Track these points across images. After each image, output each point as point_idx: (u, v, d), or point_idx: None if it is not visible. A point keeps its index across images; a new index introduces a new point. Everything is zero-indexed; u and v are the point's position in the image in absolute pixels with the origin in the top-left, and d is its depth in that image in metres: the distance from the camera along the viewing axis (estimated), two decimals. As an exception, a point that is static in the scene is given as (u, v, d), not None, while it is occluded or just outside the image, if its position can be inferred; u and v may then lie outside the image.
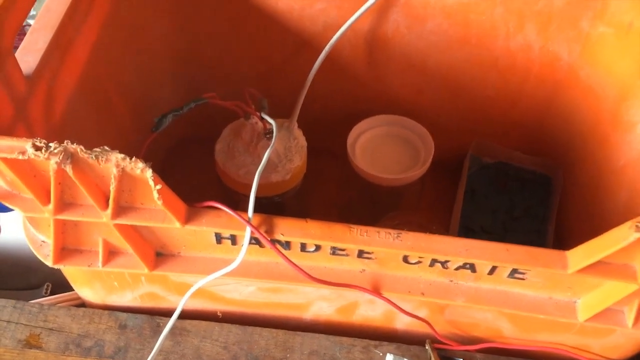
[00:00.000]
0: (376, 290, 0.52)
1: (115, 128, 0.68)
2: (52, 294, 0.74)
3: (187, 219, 0.47)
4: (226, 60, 0.79)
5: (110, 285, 0.59)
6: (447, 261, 0.49)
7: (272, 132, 0.66)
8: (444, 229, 0.80)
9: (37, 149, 0.41)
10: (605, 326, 0.52)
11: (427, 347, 0.60)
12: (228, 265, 0.50)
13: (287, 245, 0.49)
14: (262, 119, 0.67)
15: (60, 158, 0.42)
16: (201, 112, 0.65)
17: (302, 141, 0.72)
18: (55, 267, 0.53)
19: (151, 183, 0.43)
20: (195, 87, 0.70)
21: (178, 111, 0.61)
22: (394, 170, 0.76)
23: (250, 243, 0.49)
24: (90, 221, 0.48)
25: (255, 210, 0.48)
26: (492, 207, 0.86)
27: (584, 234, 0.47)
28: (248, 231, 0.47)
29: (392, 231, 0.47)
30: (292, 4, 0.73)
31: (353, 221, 0.48)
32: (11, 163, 0.42)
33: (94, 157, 0.42)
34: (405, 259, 0.50)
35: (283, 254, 0.48)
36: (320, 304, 0.60)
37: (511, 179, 0.88)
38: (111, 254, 0.53)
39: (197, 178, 0.75)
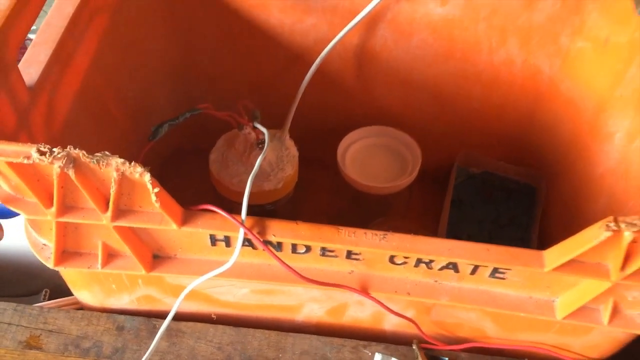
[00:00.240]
0: (364, 290, 0.55)
1: (114, 136, 0.71)
2: (50, 300, 0.76)
3: (184, 221, 0.50)
4: (220, 72, 0.81)
5: (108, 288, 0.61)
6: (431, 261, 0.52)
7: (264, 142, 0.68)
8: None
9: (42, 153, 0.44)
10: (582, 324, 0.54)
11: (414, 347, 0.63)
12: (222, 266, 0.52)
13: (278, 246, 0.52)
14: (254, 129, 0.70)
15: (64, 162, 0.44)
16: (196, 123, 0.68)
17: (294, 151, 0.75)
18: (57, 269, 0.55)
19: (149, 186, 0.46)
20: (190, 98, 0.73)
21: (174, 121, 0.64)
22: (382, 179, 0.79)
23: (243, 245, 0.51)
24: (91, 224, 0.50)
25: (248, 218, 0.51)
26: (478, 216, 0.89)
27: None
28: (241, 232, 0.49)
29: (378, 232, 0.50)
30: (284, 20, 0.76)
31: (343, 228, 0.51)
32: (16, 167, 0.45)
33: (95, 162, 0.44)
34: (392, 260, 0.52)
35: (275, 254, 0.50)
36: (311, 306, 0.62)
37: (497, 188, 0.90)
38: (110, 256, 0.55)
39: (192, 187, 0.77)
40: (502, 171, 0.90)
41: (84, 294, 0.63)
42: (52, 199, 0.48)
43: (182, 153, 0.86)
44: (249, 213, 0.51)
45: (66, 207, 0.49)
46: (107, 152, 0.45)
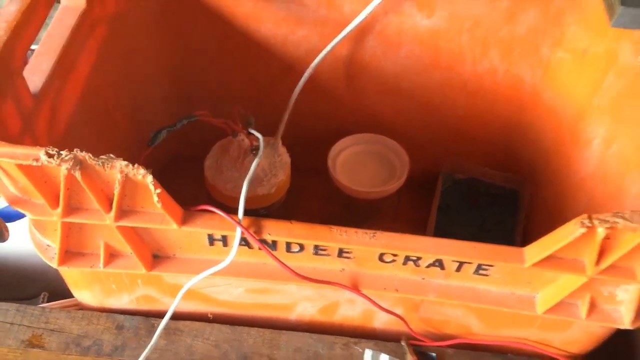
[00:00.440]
0: (355, 288, 0.57)
1: (113, 141, 0.73)
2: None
3: (183, 221, 0.52)
4: (215, 81, 0.84)
5: (108, 288, 0.63)
6: (418, 258, 0.54)
7: (258, 149, 0.71)
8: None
9: (50, 156, 0.46)
10: (562, 318, 0.57)
11: (403, 344, 0.65)
12: (220, 264, 0.55)
13: (273, 245, 0.54)
14: (248, 135, 0.72)
15: (71, 164, 0.46)
16: (192, 131, 0.70)
17: (286, 157, 0.78)
18: (60, 268, 0.57)
19: (151, 187, 0.48)
20: (187, 105, 0.76)
21: (172, 127, 0.66)
22: (372, 184, 0.82)
23: (240, 244, 0.54)
24: (94, 224, 0.53)
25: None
26: (465, 221, 0.91)
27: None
28: (238, 231, 0.52)
29: (368, 231, 0.53)
30: (276, 31, 0.79)
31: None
32: (25, 169, 0.47)
33: (100, 164, 0.47)
34: (381, 258, 0.55)
35: (270, 252, 0.53)
36: (304, 305, 0.64)
37: (482, 194, 0.93)
38: (111, 256, 0.57)
39: (188, 193, 0.79)
40: (487, 177, 0.93)
41: (84, 294, 0.65)
42: (58, 200, 0.50)
43: (178, 160, 0.88)
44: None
45: (71, 208, 0.51)
46: (111, 155, 0.47)
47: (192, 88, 0.84)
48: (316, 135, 0.84)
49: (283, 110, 0.78)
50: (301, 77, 0.76)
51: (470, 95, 0.84)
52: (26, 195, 0.52)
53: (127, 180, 0.48)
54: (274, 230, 0.53)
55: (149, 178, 0.48)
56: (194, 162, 0.78)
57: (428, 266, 0.56)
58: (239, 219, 0.52)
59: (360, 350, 0.65)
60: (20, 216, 0.74)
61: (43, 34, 0.62)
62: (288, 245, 0.55)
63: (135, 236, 0.55)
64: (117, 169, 0.47)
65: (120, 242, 0.55)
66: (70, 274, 0.63)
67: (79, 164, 0.47)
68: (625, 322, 0.56)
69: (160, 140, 0.66)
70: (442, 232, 0.89)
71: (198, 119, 0.68)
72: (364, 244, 0.52)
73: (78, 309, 0.68)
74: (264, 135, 0.73)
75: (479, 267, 0.54)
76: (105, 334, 0.64)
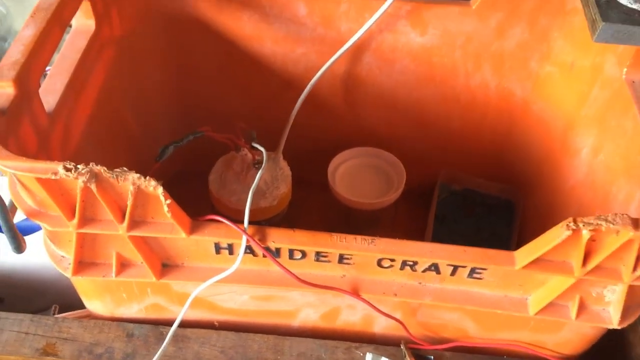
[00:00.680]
0: (355, 292, 0.60)
1: (121, 156, 0.76)
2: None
3: (192, 230, 0.55)
4: (218, 98, 0.87)
5: (119, 298, 0.66)
6: (415, 263, 0.57)
7: (260, 163, 0.74)
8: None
9: (68, 170, 0.49)
10: (553, 319, 0.60)
11: (402, 347, 0.68)
12: (226, 271, 0.58)
13: (277, 253, 0.57)
14: (251, 149, 0.75)
15: (87, 177, 0.49)
16: (195, 147, 0.73)
17: (287, 171, 0.81)
18: (74, 278, 0.60)
19: (162, 198, 0.51)
20: (190, 121, 0.79)
21: (179, 142, 0.69)
22: (370, 195, 0.85)
23: (245, 252, 0.57)
24: (107, 234, 0.56)
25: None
26: (461, 230, 0.94)
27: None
28: (244, 239, 0.55)
29: (367, 237, 0.55)
30: (276, 50, 0.82)
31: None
32: (44, 183, 0.50)
33: (114, 177, 0.50)
34: (379, 263, 0.58)
35: (274, 258, 0.56)
36: (307, 311, 0.67)
37: (477, 204, 0.96)
38: (123, 265, 0.60)
39: (193, 208, 0.82)
40: (482, 188, 0.96)
41: (95, 304, 0.68)
42: (74, 212, 0.53)
43: (181, 175, 0.91)
44: (246, 228, 0.56)
45: (86, 219, 0.54)
46: (124, 168, 0.50)
47: (195, 105, 0.88)
48: (316, 148, 0.88)
49: (283, 125, 0.81)
50: (300, 93, 0.79)
51: (464, 108, 0.87)
52: (43, 208, 0.55)
53: (139, 192, 0.51)
54: (278, 237, 0.56)
55: (160, 189, 0.51)
56: (197, 177, 0.81)
57: (424, 270, 0.58)
58: (245, 228, 0.55)
59: (361, 354, 0.67)
60: (31, 231, 0.76)
61: (56, 56, 0.65)
62: (291, 252, 0.57)
63: (145, 246, 0.58)
64: (130, 181, 0.50)
65: (132, 252, 0.58)
66: (83, 285, 0.65)
67: (95, 177, 0.50)
68: (614, 322, 0.59)
69: (167, 155, 0.69)
70: (439, 241, 0.90)
71: (203, 134, 0.71)
72: (363, 250, 0.55)
73: (89, 319, 0.71)
74: (265, 149, 0.76)
75: (473, 270, 0.57)
76: (116, 342, 0.67)
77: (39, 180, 0.50)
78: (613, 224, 0.49)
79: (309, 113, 0.82)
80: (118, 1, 0.73)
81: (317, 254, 0.57)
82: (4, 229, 0.56)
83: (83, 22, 0.68)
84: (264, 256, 0.57)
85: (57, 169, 0.49)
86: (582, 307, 0.59)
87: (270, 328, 0.70)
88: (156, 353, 0.64)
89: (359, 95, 0.86)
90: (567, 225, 0.50)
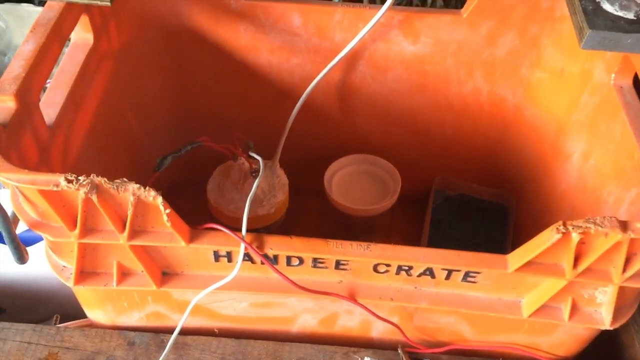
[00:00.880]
0: (352, 298, 0.61)
1: (121, 167, 0.78)
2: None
3: (191, 239, 0.56)
4: (214, 108, 0.89)
5: (120, 306, 0.67)
6: (410, 268, 0.58)
7: (258, 172, 0.75)
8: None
9: (69, 181, 0.50)
10: (547, 321, 0.61)
11: (399, 351, 0.69)
12: (225, 279, 0.59)
13: (275, 260, 0.59)
14: (248, 158, 0.77)
15: (88, 188, 0.51)
16: (192, 156, 0.75)
17: (284, 179, 0.82)
18: (75, 288, 0.61)
19: (161, 208, 0.52)
20: (187, 132, 0.80)
21: (177, 153, 0.71)
22: (366, 202, 0.86)
23: (243, 259, 0.58)
24: (108, 244, 0.57)
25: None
26: (456, 235, 0.96)
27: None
28: (242, 247, 0.56)
29: (362, 243, 0.57)
30: (272, 60, 0.84)
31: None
32: (46, 194, 0.51)
33: (115, 187, 0.51)
34: (375, 268, 0.59)
35: (272, 265, 0.57)
36: (305, 317, 0.68)
37: (472, 209, 0.98)
38: (123, 274, 0.61)
39: (191, 217, 0.83)
40: (477, 193, 0.98)
41: (97, 313, 0.69)
42: (76, 222, 0.54)
43: (178, 185, 0.92)
44: (244, 236, 0.58)
45: (87, 230, 0.55)
46: (125, 179, 0.52)
47: (193, 114, 0.89)
48: (312, 156, 0.89)
49: (279, 134, 0.82)
50: (296, 102, 0.81)
51: (457, 115, 0.88)
52: (45, 219, 0.56)
53: (139, 202, 0.52)
54: (275, 245, 0.57)
55: (159, 199, 0.52)
56: (196, 187, 0.82)
57: (419, 275, 0.60)
58: (243, 235, 0.56)
59: (359, 359, 0.68)
60: (33, 241, 0.77)
61: (56, 70, 0.66)
62: (288, 259, 0.59)
63: (145, 255, 0.59)
64: (130, 192, 0.52)
65: (132, 261, 0.59)
66: (84, 294, 0.66)
67: (95, 187, 0.51)
68: (606, 323, 0.60)
69: (166, 165, 0.70)
70: (435, 246, 0.91)
71: (201, 144, 0.72)
72: (359, 255, 0.56)
73: (91, 328, 0.72)
74: (262, 158, 0.77)
75: (467, 274, 0.58)
76: (117, 350, 0.67)
77: (40, 192, 0.51)
78: (602, 227, 0.50)
79: (305, 122, 0.83)
80: (116, 15, 0.74)
81: (314, 260, 0.58)
82: (6, 240, 0.57)
83: (82, 36, 0.69)
84: (262, 263, 0.58)
85: (59, 180, 0.50)
86: (574, 309, 0.60)
87: (269, 334, 0.71)
88: (157, 360, 0.66)
89: (354, 103, 0.88)
90: (557, 228, 0.51)
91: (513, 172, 0.92)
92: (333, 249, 0.56)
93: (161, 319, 0.69)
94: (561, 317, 0.61)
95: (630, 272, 0.54)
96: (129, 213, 0.53)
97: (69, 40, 0.68)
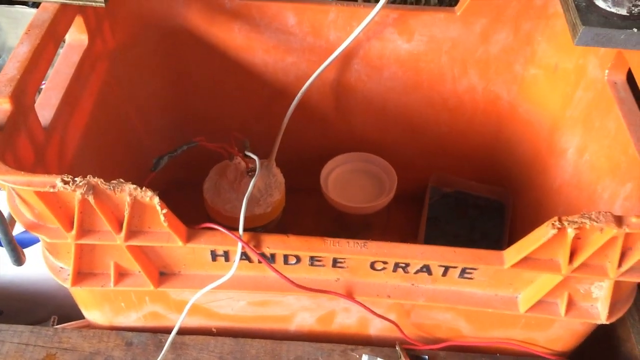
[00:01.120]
0: (350, 295, 0.61)
1: (116, 167, 0.78)
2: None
3: (188, 239, 0.56)
4: (210, 108, 0.89)
5: (117, 307, 0.67)
6: (407, 265, 0.59)
7: (254, 171, 0.76)
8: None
9: (66, 182, 0.50)
10: (543, 316, 0.61)
11: (397, 348, 0.69)
12: (222, 278, 0.59)
13: (272, 258, 0.59)
14: (244, 158, 0.77)
15: (84, 190, 0.51)
16: (188, 156, 0.75)
17: (280, 178, 0.82)
18: (73, 289, 0.61)
19: (158, 208, 0.53)
20: (184, 132, 0.80)
21: (173, 153, 0.71)
22: (362, 200, 0.87)
23: (240, 259, 0.58)
24: (105, 244, 0.57)
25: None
26: (453, 232, 0.96)
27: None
28: (239, 246, 0.56)
29: (359, 241, 0.57)
30: (267, 59, 0.84)
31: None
32: (42, 196, 0.51)
33: (111, 188, 0.51)
34: (372, 266, 0.59)
35: (269, 264, 0.57)
36: (303, 315, 0.68)
37: (469, 206, 0.98)
38: (121, 275, 0.61)
39: (188, 216, 0.84)
40: (473, 190, 0.98)
41: (94, 314, 0.69)
42: (72, 223, 0.54)
43: (176, 185, 0.92)
44: (241, 235, 0.58)
45: (84, 231, 0.55)
46: (121, 180, 0.52)
47: (188, 115, 0.89)
48: (308, 155, 0.89)
49: (275, 133, 0.83)
50: (291, 101, 0.81)
51: (452, 112, 0.89)
52: (42, 221, 0.56)
53: (135, 203, 0.53)
54: (272, 243, 0.57)
55: (156, 199, 0.52)
56: (192, 186, 0.82)
57: (416, 272, 0.60)
58: (240, 235, 0.56)
59: (358, 356, 0.69)
60: (30, 243, 0.77)
61: (51, 71, 0.66)
62: (285, 258, 0.59)
63: (142, 255, 0.59)
64: (127, 192, 0.52)
65: (129, 261, 0.59)
66: (81, 295, 0.66)
67: (92, 189, 0.51)
68: (602, 318, 0.61)
69: (162, 165, 0.70)
70: (431, 243, 0.93)
71: (197, 144, 0.72)
72: (356, 253, 0.57)
73: (89, 329, 0.72)
74: (258, 157, 0.77)
75: (464, 270, 0.59)
76: (115, 351, 0.68)
77: (37, 193, 0.51)
78: (597, 222, 0.50)
79: (301, 121, 0.83)
80: (110, 16, 0.74)
81: (311, 258, 0.59)
82: (3, 242, 0.57)
83: (76, 37, 0.69)
84: (259, 262, 0.58)
85: (55, 182, 0.50)
86: (570, 304, 0.61)
87: (267, 333, 0.71)
88: (155, 360, 0.66)
89: (349, 102, 0.88)
90: (553, 224, 0.51)
91: (509, 169, 0.92)
92: (330, 247, 0.57)
93: (159, 319, 0.69)
94: (558, 312, 0.61)
95: (625, 266, 0.54)
96: (126, 213, 0.53)
97: (64, 41, 0.68)
